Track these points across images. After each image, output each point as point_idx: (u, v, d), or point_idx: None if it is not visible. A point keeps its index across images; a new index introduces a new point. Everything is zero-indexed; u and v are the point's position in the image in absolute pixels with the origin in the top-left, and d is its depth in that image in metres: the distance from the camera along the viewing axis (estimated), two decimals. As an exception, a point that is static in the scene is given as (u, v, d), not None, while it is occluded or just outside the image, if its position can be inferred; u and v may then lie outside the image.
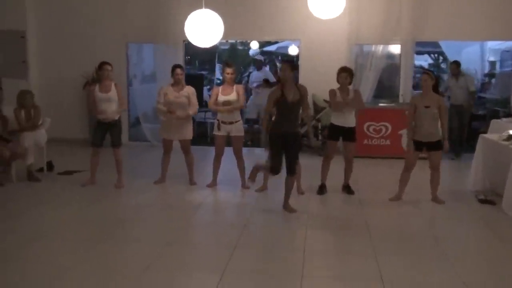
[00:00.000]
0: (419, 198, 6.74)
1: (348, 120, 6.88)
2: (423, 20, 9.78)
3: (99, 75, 7.29)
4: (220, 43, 14.30)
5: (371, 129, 9.50)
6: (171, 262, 4.61)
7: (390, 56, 10.95)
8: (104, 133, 7.14)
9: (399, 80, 10.32)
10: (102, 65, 7.09)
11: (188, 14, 6.73)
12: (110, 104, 6.98)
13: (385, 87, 11.72)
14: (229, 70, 7.07)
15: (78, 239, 5.17)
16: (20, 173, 7.56)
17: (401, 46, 10.17)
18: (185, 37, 6.89)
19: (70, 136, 10.56)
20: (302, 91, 5.97)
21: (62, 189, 7.13)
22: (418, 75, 11.80)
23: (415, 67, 12.19)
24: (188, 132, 7.28)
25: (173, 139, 7.27)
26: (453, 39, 11.21)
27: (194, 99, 7.22)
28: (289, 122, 5.97)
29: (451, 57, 13.75)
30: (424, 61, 17.38)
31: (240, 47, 18.17)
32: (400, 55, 10.31)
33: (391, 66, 11.20)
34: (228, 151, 7.28)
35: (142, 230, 5.53)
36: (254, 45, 15.79)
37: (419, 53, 14.72)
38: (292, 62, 5.90)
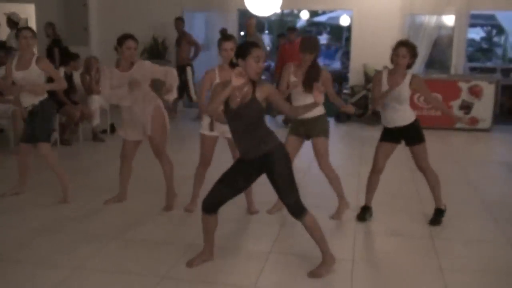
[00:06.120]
0: None
1: (401, 115, 4.50)
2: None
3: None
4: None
5: (421, 99, 9.56)
6: None
7: (443, 27, 10.84)
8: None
9: (451, 52, 10.27)
10: (19, 31, 4.96)
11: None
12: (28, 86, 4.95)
13: (437, 58, 11.66)
14: (228, 44, 4.54)
15: (141, 192, 5.56)
16: (86, 134, 8.07)
17: (455, 17, 10.07)
18: (240, 4, 6.73)
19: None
20: (265, 91, 3.41)
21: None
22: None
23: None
24: (156, 125, 4.87)
25: (133, 139, 5.00)
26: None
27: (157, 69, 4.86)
28: (248, 139, 3.52)
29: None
30: (476, 34, 16.99)
31: (288, 18, 18.19)
32: (453, 26, 10.23)
33: (444, 37, 11.11)
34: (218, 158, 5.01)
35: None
36: (304, 15, 15.85)
37: (471, 25, 14.42)
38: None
